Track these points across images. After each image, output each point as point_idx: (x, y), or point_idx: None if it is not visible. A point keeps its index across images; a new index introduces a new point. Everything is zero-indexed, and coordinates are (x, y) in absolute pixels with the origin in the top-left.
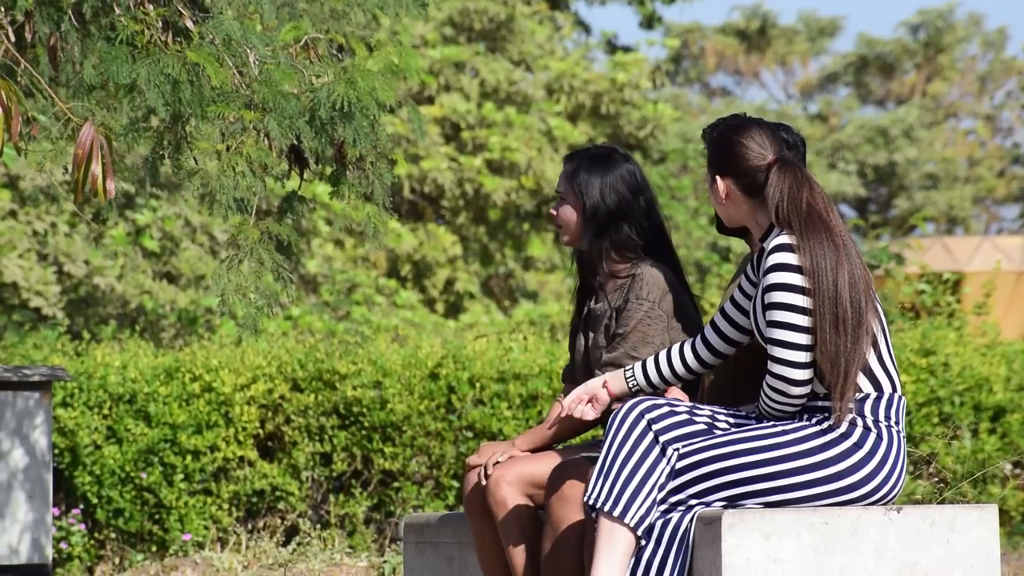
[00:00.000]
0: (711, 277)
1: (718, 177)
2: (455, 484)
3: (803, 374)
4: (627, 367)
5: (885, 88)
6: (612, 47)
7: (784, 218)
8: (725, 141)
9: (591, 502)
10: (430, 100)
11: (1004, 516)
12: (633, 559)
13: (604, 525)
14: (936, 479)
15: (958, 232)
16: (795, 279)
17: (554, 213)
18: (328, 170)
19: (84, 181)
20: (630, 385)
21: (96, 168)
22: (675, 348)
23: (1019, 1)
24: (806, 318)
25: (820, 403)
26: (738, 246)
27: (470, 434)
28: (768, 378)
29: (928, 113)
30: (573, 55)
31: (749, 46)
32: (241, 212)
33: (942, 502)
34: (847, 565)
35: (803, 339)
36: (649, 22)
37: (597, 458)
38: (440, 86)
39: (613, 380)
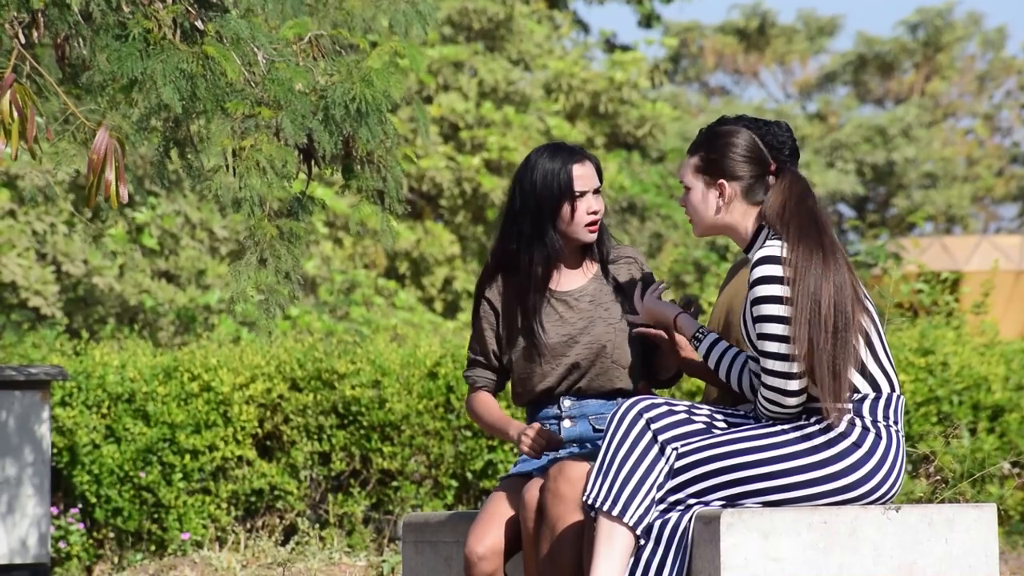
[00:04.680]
0: (709, 276)
1: (724, 182)
2: (454, 483)
3: (796, 384)
4: (702, 330)
5: (884, 87)
6: (610, 46)
7: (785, 224)
8: (732, 146)
9: (590, 501)
10: (428, 100)
11: (1002, 515)
12: (632, 559)
13: (603, 524)
14: (935, 478)
15: (956, 231)
16: (780, 290)
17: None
18: (333, 170)
19: (98, 186)
20: (693, 343)
21: (110, 174)
22: (740, 360)
23: (1018, 0)
24: (793, 328)
25: (818, 404)
26: (736, 245)
27: (469, 433)
28: (762, 390)
29: (927, 112)
30: (571, 54)
31: (748, 45)
32: (260, 209)
33: (941, 501)
34: (846, 564)
35: (796, 350)
36: (648, 21)
37: (594, 456)
38: (439, 85)
39: (685, 322)
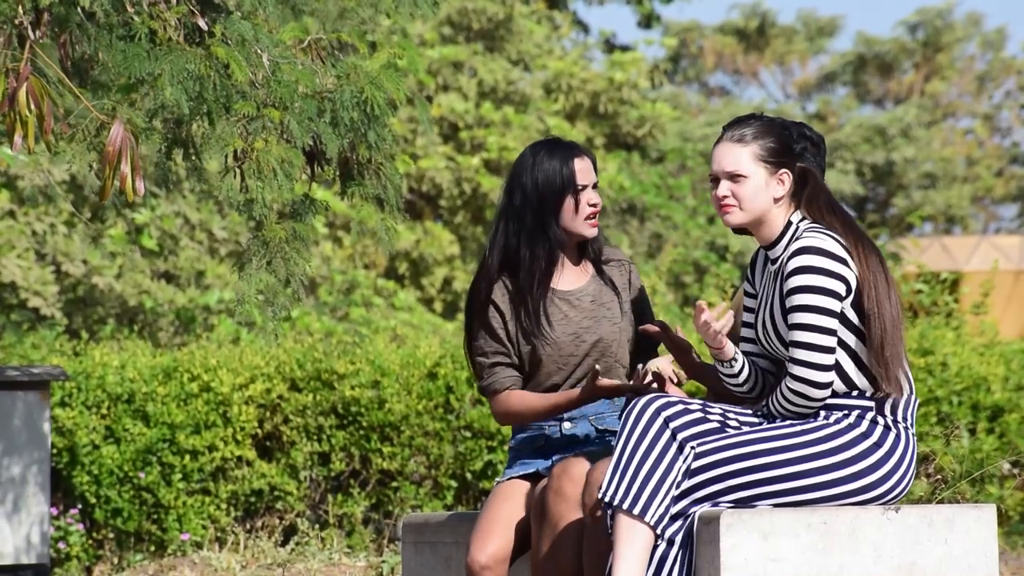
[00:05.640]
0: (709, 277)
1: (787, 172)
2: (453, 484)
3: (828, 377)
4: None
5: (883, 87)
6: (610, 46)
7: (840, 219)
8: (786, 139)
9: (607, 499)
10: (428, 100)
11: (1002, 516)
12: None
13: (623, 523)
14: (935, 479)
15: (956, 231)
16: (827, 282)
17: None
18: (334, 173)
19: (113, 180)
20: (728, 366)
21: (125, 167)
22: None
23: (1018, 1)
24: (835, 321)
25: (839, 400)
26: (736, 244)
27: (468, 434)
28: (789, 381)
29: (926, 112)
30: (571, 54)
31: (748, 45)
32: (269, 211)
33: (940, 502)
34: (846, 565)
35: (831, 342)
36: (647, 21)
37: (597, 455)
38: (438, 86)
39: (702, 361)
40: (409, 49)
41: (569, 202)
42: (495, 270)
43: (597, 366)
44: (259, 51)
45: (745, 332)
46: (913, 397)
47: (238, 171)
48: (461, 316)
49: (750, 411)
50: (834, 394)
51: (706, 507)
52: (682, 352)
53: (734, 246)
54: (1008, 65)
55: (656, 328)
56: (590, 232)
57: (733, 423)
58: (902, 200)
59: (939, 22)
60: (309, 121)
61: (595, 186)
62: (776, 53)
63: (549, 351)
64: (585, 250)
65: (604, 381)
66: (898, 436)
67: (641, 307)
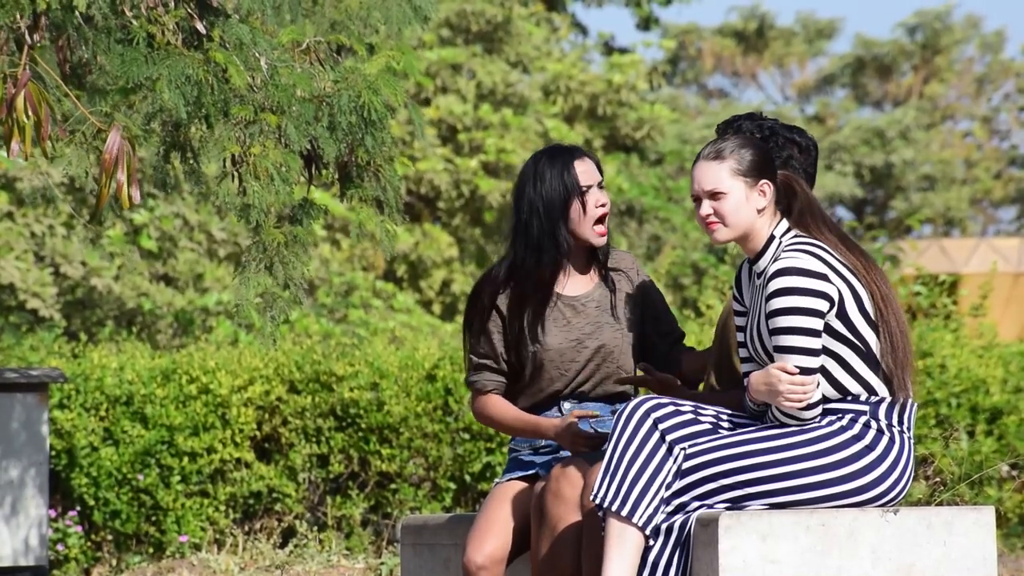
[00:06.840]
0: (708, 279)
1: (767, 183)
2: (452, 486)
3: (819, 394)
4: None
5: (882, 90)
6: (609, 48)
7: (833, 232)
8: (763, 149)
9: (597, 501)
10: (427, 102)
11: (1001, 518)
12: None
13: (613, 525)
14: (933, 481)
15: (955, 234)
16: (806, 302)
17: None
18: (332, 177)
19: (108, 188)
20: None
21: (121, 176)
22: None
23: (1017, 3)
24: (818, 340)
25: (832, 404)
26: (734, 247)
27: (467, 435)
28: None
29: (925, 115)
30: (570, 56)
31: (746, 47)
32: (266, 216)
33: (939, 504)
34: (844, 567)
35: (816, 363)
36: (646, 23)
37: (595, 457)
38: (437, 88)
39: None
40: (407, 53)
41: (576, 206)
42: (504, 280)
43: (585, 413)
44: (257, 54)
45: (742, 352)
46: (911, 402)
47: (236, 175)
48: (459, 318)
49: (744, 413)
50: (826, 399)
51: (698, 506)
52: (669, 388)
53: (732, 248)
54: (1007, 67)
55: (631, 377)
56: (598, 240)
57: (726, 424)
58: (901, 202)
59: (938, 24)
60: (307, 125)
61: (600, 185)
62: (775, 55)
63: (550, 356)
64: (594, 257)
65: (581, 430)
66: (892, 440)
67: (651, 304)
